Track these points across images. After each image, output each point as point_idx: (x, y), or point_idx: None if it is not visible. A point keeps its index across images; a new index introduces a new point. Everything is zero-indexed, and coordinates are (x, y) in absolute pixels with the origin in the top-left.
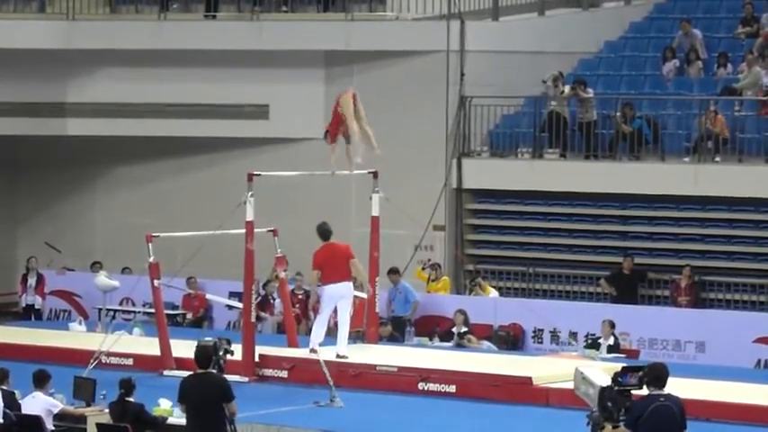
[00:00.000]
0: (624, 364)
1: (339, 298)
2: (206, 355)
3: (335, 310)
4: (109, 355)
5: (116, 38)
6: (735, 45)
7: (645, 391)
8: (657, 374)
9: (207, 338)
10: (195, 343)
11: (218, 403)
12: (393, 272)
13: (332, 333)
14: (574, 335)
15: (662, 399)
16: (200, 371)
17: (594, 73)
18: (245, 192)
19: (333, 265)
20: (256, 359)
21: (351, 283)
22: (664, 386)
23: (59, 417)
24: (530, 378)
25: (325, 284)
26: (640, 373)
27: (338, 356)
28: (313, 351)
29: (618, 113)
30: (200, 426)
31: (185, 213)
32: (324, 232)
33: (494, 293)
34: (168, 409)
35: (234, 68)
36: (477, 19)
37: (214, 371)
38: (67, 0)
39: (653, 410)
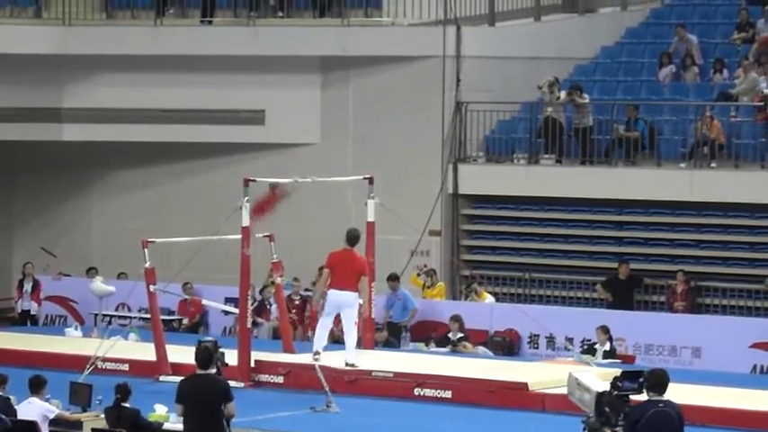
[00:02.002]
0: (622, 370)
1: (342, 306)
2: (207, 356)
3: (338, 320)
4: (105, 360)
5: (112, 43)
6: (730, 51)
7: (644, 396)
8: (658, 380)
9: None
10: (191, 349)
11: (217, 404)
12: (393, 278)
13: (340, 340)
14: (570, 340)
15: (661, 405)
16: (200, 371)
17: (590, 78)
18: (240, 197)
19: (342, 272)
20: (252, 365)
21: (356, 294)
22: (664, 392)
23: (55, 422)
24: (525, 384)
25: (330, 289)
26: (641, 379)
27: (347, 365)
28: (317, 354)
29: (622, 118)
30: (199, 427)
31: (181, 219)
32: (350, 238)
33: (489, 299)
34: (164, 414)
35: (230, 74)
36: (474, 24)
37: (213, 372)
38: (63, 5)
39: (651, 416)
